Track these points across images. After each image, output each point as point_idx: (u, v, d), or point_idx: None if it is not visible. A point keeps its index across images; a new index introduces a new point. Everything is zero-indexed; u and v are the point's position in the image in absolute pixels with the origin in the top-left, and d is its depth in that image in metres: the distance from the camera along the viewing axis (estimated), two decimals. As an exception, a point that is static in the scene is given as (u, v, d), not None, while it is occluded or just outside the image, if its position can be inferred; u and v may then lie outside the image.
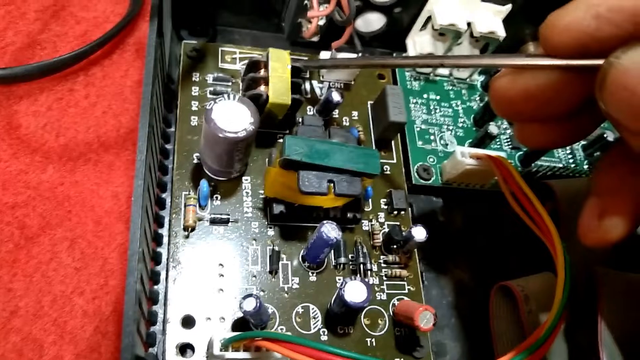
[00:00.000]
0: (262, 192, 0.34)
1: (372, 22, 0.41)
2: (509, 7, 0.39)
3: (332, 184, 0.31)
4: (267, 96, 0.33)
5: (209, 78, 0.37)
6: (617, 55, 0.20)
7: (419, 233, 0.32)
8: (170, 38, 0.38)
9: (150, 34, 0.29)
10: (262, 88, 0.33)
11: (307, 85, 0.39)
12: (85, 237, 0.33)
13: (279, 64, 0.34)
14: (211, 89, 0.36)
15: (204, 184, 0.32)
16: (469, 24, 0.39)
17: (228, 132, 0.29)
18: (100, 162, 0.35)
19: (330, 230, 0.30)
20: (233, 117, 0.30)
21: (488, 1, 0.39)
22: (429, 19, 0.40)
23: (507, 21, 0.40)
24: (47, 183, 0.33)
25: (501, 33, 0.39)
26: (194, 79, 0.36)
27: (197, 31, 0.39)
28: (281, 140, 0.36)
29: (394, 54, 0.43)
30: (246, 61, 0.37)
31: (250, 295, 0.27)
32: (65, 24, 0.38)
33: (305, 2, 0.36)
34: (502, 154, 0.36)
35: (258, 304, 0.27)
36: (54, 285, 0.31)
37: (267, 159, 0.35)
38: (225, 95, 0.30)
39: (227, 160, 0.32)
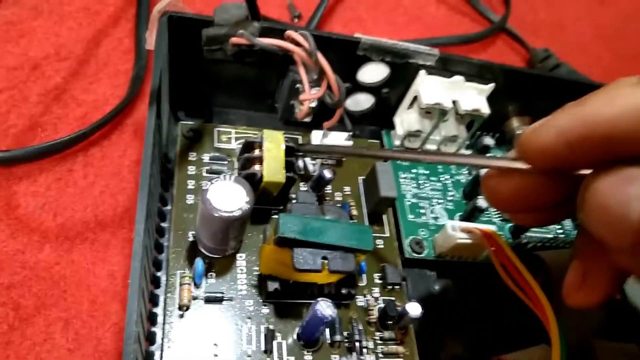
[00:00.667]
0: (256, 269, 0.34)
1: (361, 101, 0.43)
2: (491, 86, 0.41)
3: (326, 261, 0.31)
4: (262, 175, 0.34)
5: (205, 157, 0.38)
6: (593, 180, 0.20)
7: (414, 309, 0.33)
8: (167, 119, 0.39)
9: (149, 118, 0.30)
10: (257, 167, 0.35)
11: (300, 163, 0.40)
12: (79, 317, 0.32)
13: (273, 144, 0.35)
14: (207, 168, 0.37)
15: (199, 263, 0.32)
16: (454, 102, 0.41)
17: (223, 212, 0.30)
18: (97, 241, 0.35)
19: (325, 308, 0.30)
20: (229, 196, 0.31)
21: (472, 81, 0.41)
22: (415, 98, 0.42)
23: (491, 98, 0.42)
24: (43, 263, 0.34)
25: (485, 110, 0.41)
26: (190, 158, 0.38)
27: (194, 112, 0.40)
28: (275, 217, 0.37)
29: (383, 132, 0.44)
30: (241, 141, 0.38)
31: (245, 375, 0.27)
32: (67, 106, 0.40)
33: (297, 85, 0.38)
34: (492, 227, 0.37)
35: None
36: (47, 368, 0.31)
37: (261, 235, 0.36)
38: (222, 176, 0.31)
39: (222, 238, 0.32)
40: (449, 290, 0.39)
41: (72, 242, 0.35)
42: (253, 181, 0.34)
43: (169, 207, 0.36)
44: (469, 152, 0.46)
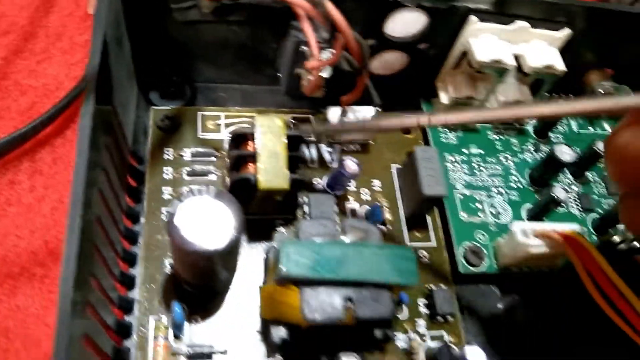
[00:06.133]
0: (258, 309, 0.25)
1: (391, 63, 0.32)
2: (567, 33, 0.30)
3: (350, 304, 0.22)
4: (257, 180, 0.24)
5: (186, 153, 0.29)
6: None
7: (475, 356, 0.23)
8: (135, 104, 0.30)
9: (84, 107, 0.21)
10: (251, 169, 0.25)
11: (312, 151, 0.30)
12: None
13: (271, 135, 0.25)
14: (188, 168, 0.28)
15: (177, 309, 0.24)
16: (517, 58, 0.30)
17: (199, 246, 0.21)
18: (48, 277, 0.27)
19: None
20: (207, 221, 0.22)
21: (539, 27, 0.30)
22: (464, 55, 0.31)
23: (565, 49, 0.31)
24: (-23, 311, 0.26)
25: (560, 66, 0.30)
26: (165, 156, 0.28)
27: (171, 93, 0.31)
28: (281, 232, 0.28)
29: (422, 102, 0.34)
30: (233, 128, 0.29)
31: None
32: (7, 95, 0.31)
33: (303, 48, 0.28)
34: (574, 226, 0.27)
35: None
36: None
37: (264, 257, 0.27)
38: (196, 190, 0.22)
39: (206, 275, 0.23)
40: (519, 311, 0.29)
41: (16, 282, 0.26)
42: (246, 188, 0.25)
43: (140, 227, 0.27)
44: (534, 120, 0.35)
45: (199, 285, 0.24)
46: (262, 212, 0.27)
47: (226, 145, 0.28)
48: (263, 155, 0.25)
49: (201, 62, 0.31)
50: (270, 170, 0.25)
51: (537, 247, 0.27)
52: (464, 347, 0.24)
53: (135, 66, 0.29)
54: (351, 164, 0.27)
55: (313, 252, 0.22)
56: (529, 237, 0.27)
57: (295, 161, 0.26)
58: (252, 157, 0.25)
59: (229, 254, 0.22)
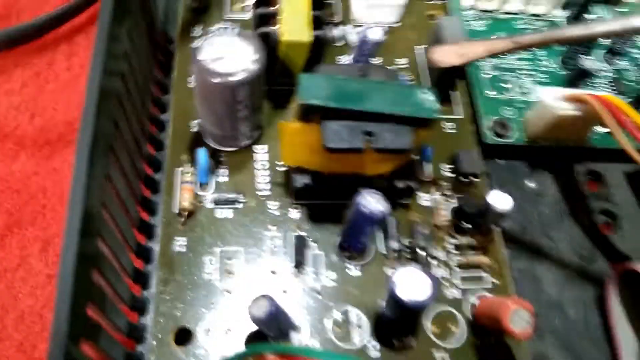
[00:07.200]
0: (282, 162, 0.26)
1: None
2: None
3: (370, 137, 0.22)
4: (278, 35, 0.25)
5: (213, 29, 0.29)
6: None
7: (502, 201, 0.23)
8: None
9: None
10: (274, 26, 0.26)
11: (338, 31, 0.30)
12: (62, 236, 0.25)
13: (295, -7, 0.26)
14: (215, 43, 0.29)
15: (201, 154, 0.24)
16: None
17: (222, 75, 0.21)
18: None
19: (371, 201, 0.21)
20: (230, 56, 0.22)
21: None
22: None
23: None
24: (18, 173, 0.27)
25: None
26: (194, 34, 0.29)
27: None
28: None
29: None
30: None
31: (263, 296, 0.19)
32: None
33: None
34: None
35: (271, 308, 0.19)
36: (21, 299, 0.24)
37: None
38: (219, 29, 0.23)
39: (230, 118, 0.24)
40: (548, 185, 0.29)
41: (53, 148, 0.28)
42: (269, 45, 0.25)
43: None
44: (566, 12, 0.34)
45: (222, 137, 0.25)
46: (284, 81, 0.27)
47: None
48: (285, 12, 0.25)
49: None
50: (292, 24, 0.25)
51: (566, 110, 0.27)
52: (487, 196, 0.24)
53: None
54: (375, 30, 0.27)
55: (333, 84, 0.22)
56: (559, 100, 0.27)
57: (319, 22, 0.26)
58: (275, 16, 0.26)
59: (251, 91, 0.23)
